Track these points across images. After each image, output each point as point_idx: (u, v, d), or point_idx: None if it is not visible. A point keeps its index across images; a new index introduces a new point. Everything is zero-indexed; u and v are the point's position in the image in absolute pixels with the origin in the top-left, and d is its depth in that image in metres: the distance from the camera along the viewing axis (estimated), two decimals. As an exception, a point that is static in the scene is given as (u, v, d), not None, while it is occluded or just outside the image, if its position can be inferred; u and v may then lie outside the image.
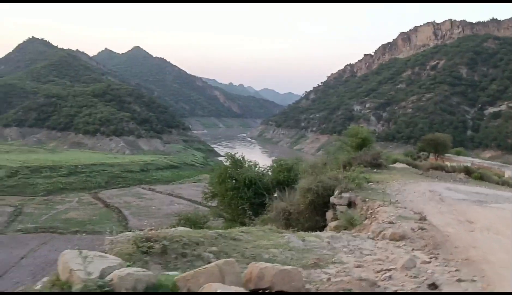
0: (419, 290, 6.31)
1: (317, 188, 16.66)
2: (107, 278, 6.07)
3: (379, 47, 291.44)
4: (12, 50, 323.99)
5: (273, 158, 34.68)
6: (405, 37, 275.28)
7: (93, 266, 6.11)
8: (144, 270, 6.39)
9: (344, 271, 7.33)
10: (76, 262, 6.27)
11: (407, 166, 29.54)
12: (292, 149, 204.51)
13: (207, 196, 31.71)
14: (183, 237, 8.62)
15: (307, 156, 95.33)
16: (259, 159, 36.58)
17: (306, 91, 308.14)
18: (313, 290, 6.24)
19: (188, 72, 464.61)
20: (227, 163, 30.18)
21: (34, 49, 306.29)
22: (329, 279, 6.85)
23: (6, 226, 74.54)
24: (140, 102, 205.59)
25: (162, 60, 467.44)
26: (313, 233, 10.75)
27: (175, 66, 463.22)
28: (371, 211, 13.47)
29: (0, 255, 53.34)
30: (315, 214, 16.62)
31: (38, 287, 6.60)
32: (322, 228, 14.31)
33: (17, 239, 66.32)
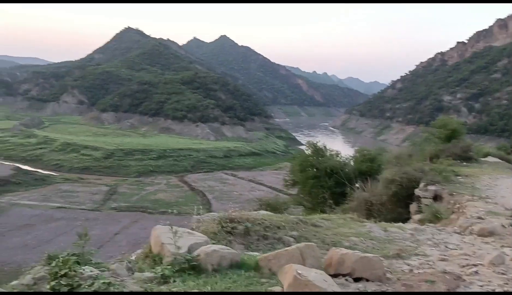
0: (506, 287, 6.04)
1: (401, 179, 16.22)
2: (194, 253, 6.49)
3: (473, 35, 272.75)
4: (110, 40, 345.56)
5: (356, 148, 34.06)
6: (502, 24, 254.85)
7: (182, 241, 6.55)
8: (228, 248, 6.73)
9: (427, 264, 7.17)
10: (167, 236, 6.76)
11: (500, 161, 27.60)
12: (375, 140, 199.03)
13: (288, 183, 31.96)
14: (265, 220, 8.90)
15: (392, 147, 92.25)
16: (341, 148, 36.13)
17: (392, 80, 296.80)
18: (394, 280, 6.20)
19: (272, 60, 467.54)
20: (309, 151, 30.13)
21: (129, 38, 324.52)
22: (411, 270, 6.77)
23: (102, 204, 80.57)
24: (225, 90, 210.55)
25: (247, 48, 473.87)
26: (396, 224, 10.55)
27: (259, 54, 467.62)
28: (458, 205, 12.88)
29: (97, 231, 57.62)
30: (398, 206, 16.21)
31: (133, 257, 7.21)
32: (404, 221, 13.93)
33: (112, 216, 71.46)
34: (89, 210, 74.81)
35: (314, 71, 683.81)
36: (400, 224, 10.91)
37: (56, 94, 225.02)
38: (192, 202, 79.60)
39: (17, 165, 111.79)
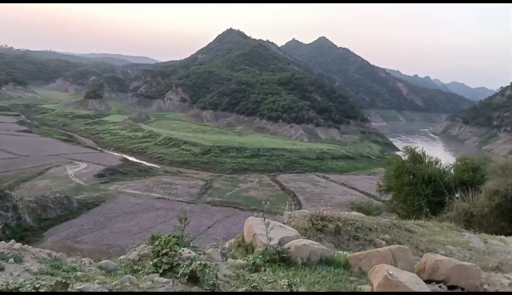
0: None
1: (506, 191, 15.12)
2: (285, 245, 6.68)
3: None
4: (212, 41, 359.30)
5: (457, 156, 32.12)
6: None
7: (273, 233, 6.76)
8: (318, 244, 6.83)
9: (530, 280, 6.69)
10: (259, 228, 7.02)
11: None
12: (480, 149, 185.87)
13: (382, 189, 31.03)
14: (356, 221, 8.85)
15: (498, 157, 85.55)
16: (441, 156, 34.27)
17: (502, 87, 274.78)
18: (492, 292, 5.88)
19: (371, 63, 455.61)
20: (405, 157, 29.04)
21: (231, 39, 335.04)
22: (511, 284, 6.36)
23: (198, 197, 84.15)
24: (321, 91, 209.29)
25: (346, 50, 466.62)
26: (498, 237, 9.91)
27: (358, 56, 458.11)
28: None
29: (192, 222, 60.14)
30: (501, 219, 15.12)
31: (226, 245, 7.58)
32: (507, 235, 13.00)
33: (206, 210, 74.32)
34: (186, 202, 78.43)
35: (416, 75, 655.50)
36: (502, 237, 10.23)
37: (162, 91, 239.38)
38: (282, 202, 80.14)
39: (125, 156, 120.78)
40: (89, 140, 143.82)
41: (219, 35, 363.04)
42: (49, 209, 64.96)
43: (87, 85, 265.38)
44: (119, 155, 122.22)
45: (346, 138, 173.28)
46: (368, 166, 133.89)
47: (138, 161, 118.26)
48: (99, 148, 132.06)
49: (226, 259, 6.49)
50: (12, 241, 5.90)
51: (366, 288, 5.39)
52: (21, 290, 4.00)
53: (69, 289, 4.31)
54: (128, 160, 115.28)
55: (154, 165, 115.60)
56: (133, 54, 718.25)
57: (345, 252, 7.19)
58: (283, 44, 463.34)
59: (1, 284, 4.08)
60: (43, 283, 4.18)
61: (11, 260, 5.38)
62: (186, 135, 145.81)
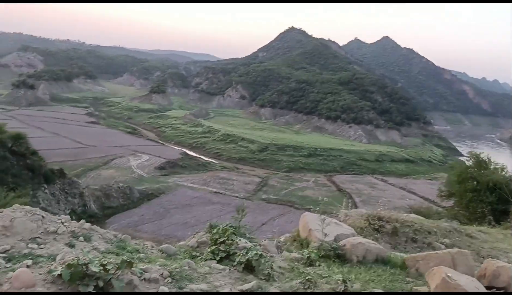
0: None
1: None
2: (341, 242, 6.69)
3: None
4: (274, 39, 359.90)
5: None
6: None
7: (329, 230, 6.79)
8: (375, 243, 6.78)
9: None
10: (315, 223, 7.07)
11: None
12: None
13: (443, 194, 29.96)
14: (415, 223, 8.66)
15: None
16: (508, 163, 32.59)
17: None
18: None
19: (436, 64, 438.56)
20: (469, 163, 27.91)
21: (292, 38, 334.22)
22: None
23: (254, 194, 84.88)
24: (382, 92, 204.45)
25: (409, 50, 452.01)
26: None
27: (422, 57, 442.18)
28: None
29: (247, 219, 60.72)
30: None
31: (281, 239, 7.69)
32: None
33: (261, 207, 74.82)
34: (241, 198, 79.33)
35: (484, 78, 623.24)
36: None
37: (222, 88, 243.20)
38: (338, 203, 79.32)
39: (185, 150, 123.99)
40: (152, 134, 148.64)
41: (281, 33, 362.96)
42: (112, 198, 67.99)
43: (151, 81, 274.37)
44: (179, 148, 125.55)
45: (406, 141, 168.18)
46: (429, 170, 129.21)
47: (197, 155, 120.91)
48: (160, 141, 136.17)
49: (281, 252, 6.59)
50: (82, 221, 6.32)
51: (423, 289, 5.31)
52: (90, 266, 4.30)
53: (133, 269, 4.58)
54: (187, 154, 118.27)
55: (212, 160, 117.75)
56: (196, 51, 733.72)
57: (402, 254, 7.08)
58: (345, 43, 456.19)
59: (72, 259, 4.40)
60: (110, 261, 4.46)
61: (81, 238, 5.78)
62: (244, 132, 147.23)
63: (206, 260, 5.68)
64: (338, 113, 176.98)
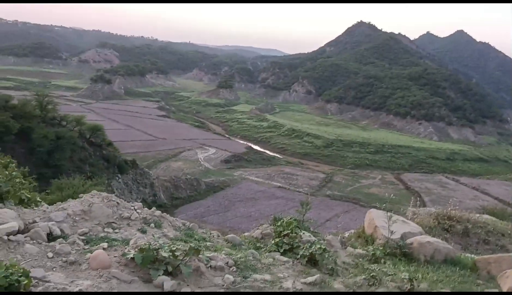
0: None
1: None
2: (407, 240, 6.53)
3: None
4: (342, 34, 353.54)
5: None
6: None
7: (395, 227, 6.65)
8: (444, 242, 6.56)
9: None
10: (381, 220, 6.95)
11: None
12: None
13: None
14: (488, 224, 8.26)
15: None
16: None
17: None
18: None
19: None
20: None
21: (361, 32, 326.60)
22: None
23: (318, 190, 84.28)
24: (455, 88, 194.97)
25: (485, 45, 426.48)
26: None
27: (499, 52, 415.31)
28: None
29: (310, 214, 60.47)
30: None
31: (346, 235, 7.63)
32: None
33: (325, 203, 74.20)
34: (305, 193, 79.07)
35: None
36: None
37: (288, 83, 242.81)
38: (406, 201, 76.72)
39: (250, 144, 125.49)
40: (219, 128, 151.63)
41: (349, 28, 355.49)
42: (180, 189, 70.30)
43: (219, 76, 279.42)
44: (245, 143, 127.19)
45: (481, 140, 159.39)
46: (505, 171, 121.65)
47: (262, 149, 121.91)
48: (227, 135, 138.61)
49: (345, 248, 6.54)
50: (154, 208, 6.64)
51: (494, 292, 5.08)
52: (160, 251, 4.52)
53: (200, 256, 4.75)
54: (252, 148, 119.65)
55: (276, 155, 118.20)
56: (263, 46, 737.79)
57: (472, 255, 6.79)
58: (416, 37, 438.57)
59: (144, 244, 4.64)
60: (178, 248, 4.67)
61: (152, 225, 6.07)
62: (309, 128, 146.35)
63: (270, 251, 5.77)
64: (408, 109, 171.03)
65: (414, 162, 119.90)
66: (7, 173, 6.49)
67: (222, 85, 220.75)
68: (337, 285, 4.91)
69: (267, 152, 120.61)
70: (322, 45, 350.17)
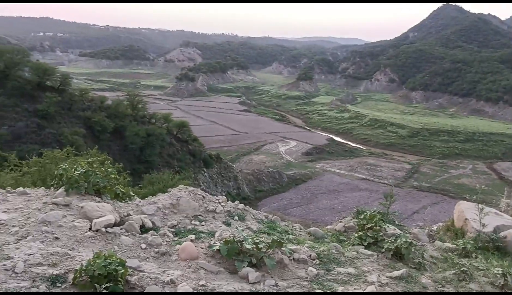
0: None
1: None
2: (501, 234, 6.15)
3: None
4: (426, 18, 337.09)
5: None
6: None
7: (487, 220, 6.28)
8: (544, 237, 6.09)
9: None
10: (471, 213, 6.59)
11: None
12: None
13: None
14: None
15: None
16: None
17: None
18: None
19: None
20: None
21: (446, 15, 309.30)
22: None
23: (403, 181, 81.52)
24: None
25: None
26: None
27: None
28: None
29: (396, 206, 58.82)
30: None
31: (434, 228, 7.32)
32: None
33: (411, 195, 71.59)
34: (390, 184, 76.77)
35: None
36: None
37: (369, 72, 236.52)
38: (499, 192, 72.04)
39: (331, 136, 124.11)
40: (299, 120, 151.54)
41: (434, 11, 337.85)
42: (263, 182, 71.33)
43: (299, 68, 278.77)
44: (326, 134, 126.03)
45: None
46: None
47: (343, 141, 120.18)
48: (307, 128, 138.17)
49: (433, 241, 6.31)
50: (237, 202, 6.84)
51: None
52: (244, 243, 4.66)
53: (282, 248, 4.84)
54: (334, 139, 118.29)
55: (359, 146, 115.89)
56: (343, 36, 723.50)
57: None
58: (508, 17, 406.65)
59: (229, 237, 4.82)
60: (262, 240, 4.79)
61: (236, 217, 6.27)
62: (393, 117, 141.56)
63: (353, 244, 5.72)
64: (500, 94, 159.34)
65: (508, 150, 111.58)
66: (103, 169, 7.00)
67: (302, 78, 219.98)
68: (425, 280, 4.77)
69: (349, 143, 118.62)
70: (405, 31, 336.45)
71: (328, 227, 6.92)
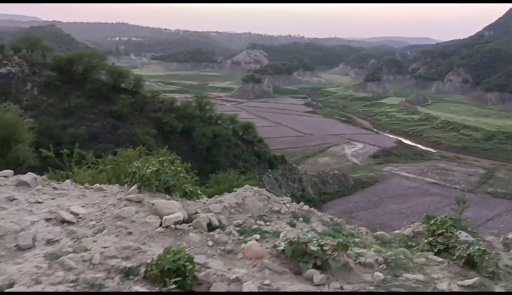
0: None
1: None
2: None
3: None
4: (502, 15, 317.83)
5: None
6: None
7: None
8: None
9: None
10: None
11: None
12: None
13: None
14: None
15: None
16: None
17: None
18: None
19: None
20: None
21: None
22: None
23: (477, 187, 77.55)
24: None
25: None
26: None
27: None
28: None
29: (469, 213, 56.03)
30: None
31: (509, 236, 6.91)
32: None
33: (486, 201, 67.91)
34: (462, 190, 73.36)
35: None
36: None
37: (441, 73, 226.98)
38: None
39: (400, 138, 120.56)
40: (366, 122, 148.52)
41: (510, 9, 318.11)
42: (328, 184, 70.65)
43: (366, 69, 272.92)
44: (394, 137, 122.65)
45: None
46: None
47: (412, 143, 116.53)
48: (374, 130, 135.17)
49: (508, 250, 5.98)
50: (302, 203, 6.84)
51: None
52: (309, 245, 4.65)
53: (348, 252, 4.77)
54: (402, 142, 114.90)
55: (429, 149, 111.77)
56: (413, 35, 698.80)
57: None
58: None
59: (294, 237, 4.82)
60: (327, 242, 4.75)
61: (301, 219, 6.27)
62: (467, 119, 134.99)
63: (422, 250, 5.54)
64: None
65: None
66: (173, 168, 7.27)
67: (369, 78, 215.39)
68: (499, 290, 4.53)
69: (419, 146, 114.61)
70: (480, 29, 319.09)
71: (396, 231, 6.75)
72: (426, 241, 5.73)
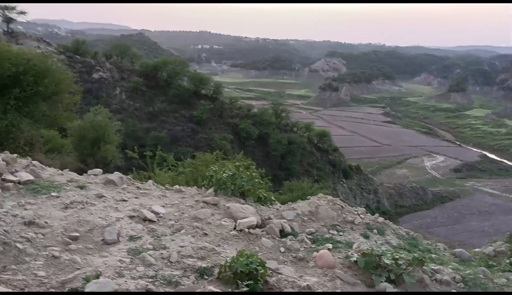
0: None
1: None
2: None
3: None
4: None
5: None
6: None
7: None
8: None
9: None
10: None
11: None
12: None
13: None
14: None
15: None
16: None
17: None
18: None
19: None
20: None
21: None
22: None
23: None
24: None
25: None
26: None
27: None
28: None
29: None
30: None
31: None
32: None
33: None
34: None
35: None
36: None
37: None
38: None
39: (484, 152, 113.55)
40: (448, 134, 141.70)
41: None
42: (405, 197, 68.19)
43: (450, 79, 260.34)
44: (478, 150, 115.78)
45: None
46: None
47: (498, 158, 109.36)
48: (457, 142, 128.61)
49: None
50: (376, 215, 6.72)
51: None
52: (383, 258, 4.57)
53: (424, 267, 4.63)
54: (487, 156, 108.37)
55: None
56: (503, 45, 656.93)
57: None
58: None
59: (367, 249, 4.77)
60: (401, 256, 4.64)
61: (375, 231, 6.16)
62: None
63: (504, 271, 5.24)
64: None
65: None
66: (248, 173, 7.45)
67: (453, 89, 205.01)
68: None
69: (505, 161, 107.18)
70: None
71: (476, 250, 6.43)
72: (508, 261, 5.42)
